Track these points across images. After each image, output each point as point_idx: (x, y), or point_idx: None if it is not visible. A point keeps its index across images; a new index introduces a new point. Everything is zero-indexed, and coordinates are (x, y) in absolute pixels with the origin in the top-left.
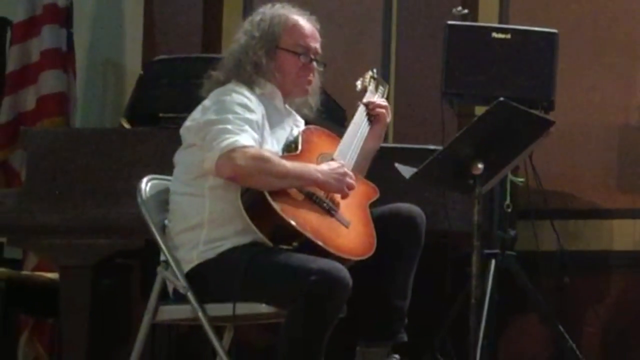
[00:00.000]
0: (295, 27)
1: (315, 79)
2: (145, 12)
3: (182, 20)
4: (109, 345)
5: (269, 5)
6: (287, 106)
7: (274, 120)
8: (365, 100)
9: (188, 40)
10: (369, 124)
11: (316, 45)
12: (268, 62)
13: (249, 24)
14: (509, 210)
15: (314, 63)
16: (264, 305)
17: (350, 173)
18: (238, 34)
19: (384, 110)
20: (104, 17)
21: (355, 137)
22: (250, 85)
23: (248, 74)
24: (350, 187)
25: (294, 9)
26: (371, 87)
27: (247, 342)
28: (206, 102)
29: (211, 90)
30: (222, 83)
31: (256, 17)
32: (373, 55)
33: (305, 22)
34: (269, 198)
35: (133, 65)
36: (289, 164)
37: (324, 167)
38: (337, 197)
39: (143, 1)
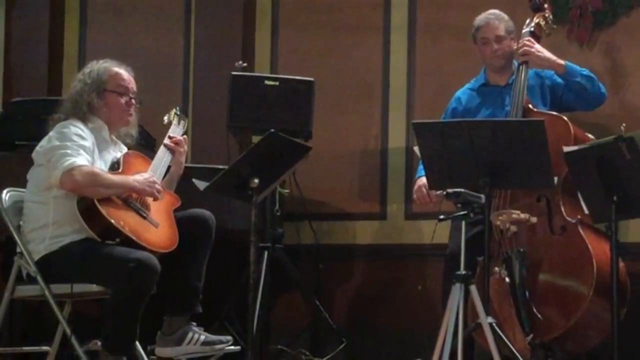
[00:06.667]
0: (117, 74)
1: (134, 114)
2: (5, 63)
3: (32, 70)
4: None
5: (95, 61)
6: (113, 137)
7: (101, 146)
8: (170, 132)
9: (37, 85)
10: (171, 152)
11: (133, 87)
12: (98, 101)
13: (81, 75)
14: (278, 213)
15: (133, 100)
16: (94, 285)
17: (159, 181)
18: (74, 83)
19: (180, 148)
20: None
21: (162, 160)
22: (84, 120)
23: (83, 112)
24: (159, 192)
25: (114, 62)
26: (175, 121)
27: (82, 312)
28: (51, 133)
29: (55, 125)
30: (64, 120)
31: (87, 69)
32: (176, 96)
33: (123, 71)
34: (98, 205)
35: None
36: (114, 177)
37: (139, 177)
38: (149, 204)
39: (3, 55)
